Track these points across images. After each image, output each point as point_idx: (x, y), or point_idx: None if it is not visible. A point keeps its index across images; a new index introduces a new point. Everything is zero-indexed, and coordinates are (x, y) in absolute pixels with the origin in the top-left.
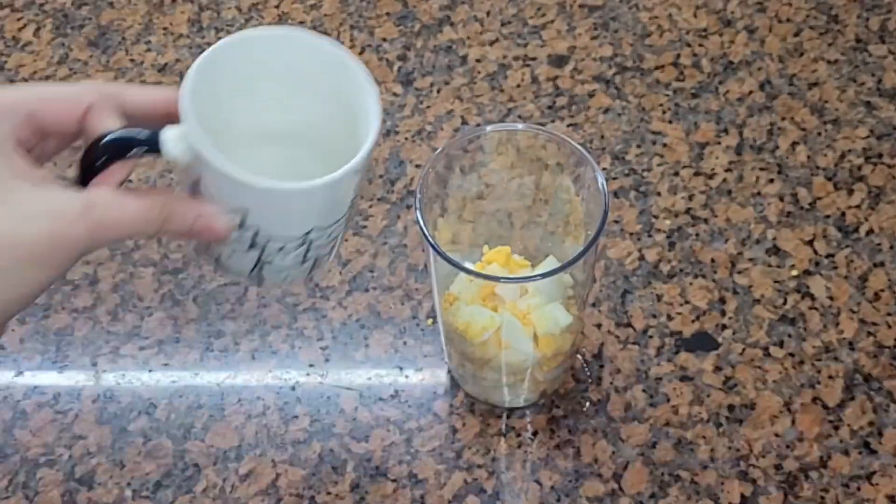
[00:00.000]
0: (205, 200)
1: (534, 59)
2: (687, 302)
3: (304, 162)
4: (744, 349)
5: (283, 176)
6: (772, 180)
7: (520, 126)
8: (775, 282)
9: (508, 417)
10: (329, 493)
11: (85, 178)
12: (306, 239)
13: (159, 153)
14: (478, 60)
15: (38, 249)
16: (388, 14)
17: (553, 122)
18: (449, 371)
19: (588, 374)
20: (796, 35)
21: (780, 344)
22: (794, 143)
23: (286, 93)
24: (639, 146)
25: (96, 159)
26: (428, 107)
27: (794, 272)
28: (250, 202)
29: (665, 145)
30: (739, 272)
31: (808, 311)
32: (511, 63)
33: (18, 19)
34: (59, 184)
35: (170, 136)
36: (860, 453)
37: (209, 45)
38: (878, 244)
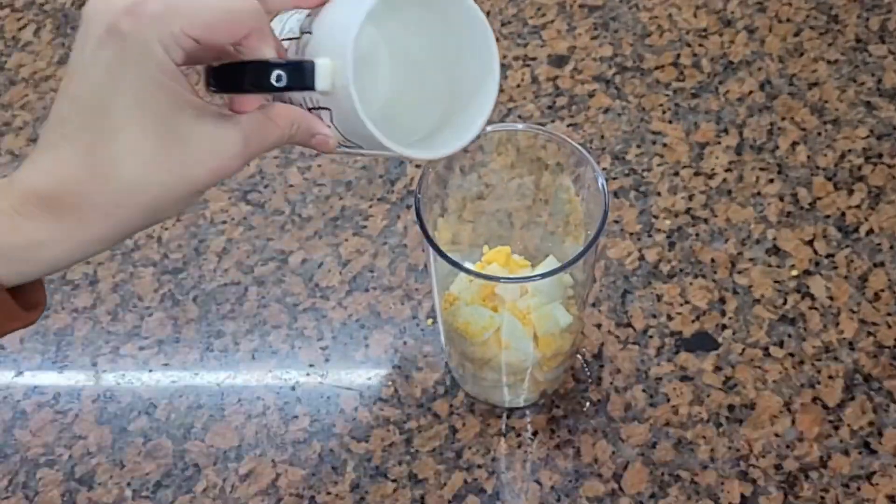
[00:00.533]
0: (321, 119)
1: (534, 58)
2: (687, 302)
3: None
4: (744, 349)
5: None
6: (772, 180)
7: (520, 126)
8: (775, 282)
9: (508, 417)
10: (329, 493)
11: (225, 89)
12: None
13: (304, 89)
14: None
15: (204, 184)
16: None
17: (553, 122)
18: (449, 371)
19: (588, 374)
20: (796, 35)
21: (780, 344)
22: (794, 143)
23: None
24: (639, 146)
25: (244, 83)
26: None
27: (794, 272)
28: (366, 144)
29: (665, 145)
30: (739, 272)
31: (808, 311)
32: (511, 63)
33: (18, 19)
34: (212, 110)
35: (324, 70)
36: (860, 453)
37: None
38: (878, 244)
